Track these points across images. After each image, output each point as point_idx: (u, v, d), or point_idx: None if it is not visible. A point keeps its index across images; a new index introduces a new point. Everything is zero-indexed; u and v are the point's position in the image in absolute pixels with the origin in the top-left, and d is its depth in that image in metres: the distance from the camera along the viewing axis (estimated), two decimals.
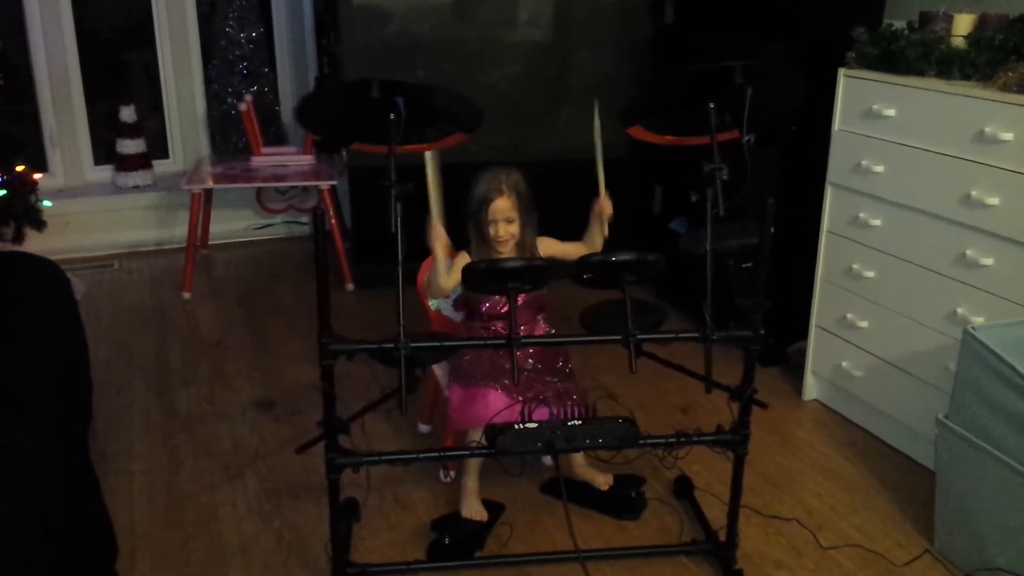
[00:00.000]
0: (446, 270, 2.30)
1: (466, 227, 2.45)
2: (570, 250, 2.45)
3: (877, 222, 2.74)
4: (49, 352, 2.41)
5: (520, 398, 2.35)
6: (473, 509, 2.46)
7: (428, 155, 2.16)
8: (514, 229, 2.40)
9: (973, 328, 2.19)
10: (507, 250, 2.41)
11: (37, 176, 3.94)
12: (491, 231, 2.39)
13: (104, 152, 4.76)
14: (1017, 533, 2.11)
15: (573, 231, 2.49)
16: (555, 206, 2.49)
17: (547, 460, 2.70)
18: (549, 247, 2.47)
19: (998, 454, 2.11)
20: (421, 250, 2.35)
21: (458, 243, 2.44)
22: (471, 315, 2.53)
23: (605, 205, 2.34)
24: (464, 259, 2.42)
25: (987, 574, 2.20)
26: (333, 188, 4.22)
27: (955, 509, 2.28)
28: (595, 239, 2.41)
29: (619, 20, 4.09)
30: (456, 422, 2.50)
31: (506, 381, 2.40)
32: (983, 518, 2.19)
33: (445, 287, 2.35)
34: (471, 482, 2.51)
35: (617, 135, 2.28)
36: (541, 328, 2.53)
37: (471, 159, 2.57)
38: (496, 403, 2.36)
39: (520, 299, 2.42)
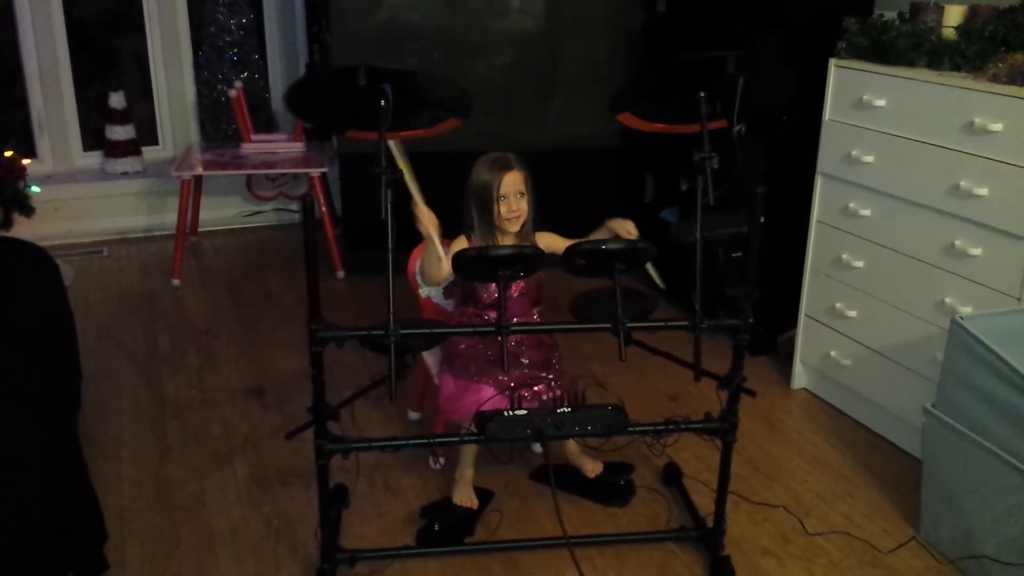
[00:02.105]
0: (441, 253, 2.20)
1: (461, 215, 2.43)
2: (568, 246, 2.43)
3: (867, 212, 2.74)
4: (37, 338, 2.40)
5: (511, 395, 2.35)
6: (464, 496, 2.47)
7: (393, 144, 2.04)
8: (525, 205, 2.37)
9: (961, 318, 2.20)
10: (516, 229, 2.38)
11: (26, 162, 3.92)
12: (502, 208, 2.34)
13: (93, 138, 4.73)
14: (1003, 521, 2.12)
15: (563, 220, 2.49)
16: (545, 196, 2.49)
17: (537, 447, 2.71)
18: (548, 241, 2.44)
19: (985, 443, 2.12)
20: (412, 237, 2.34)
21: (449, 232, 2.43)
22: (467, 301, 2.52)
23: (629, 227, 2.36)
24: (461, 244, 2.41)
25: (972, 562, 2.22)
26: (323, 175, 4.20)
27: (942, 497, 2.30)
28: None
29: (610, 9, 4.08)
30: (446, 412, 2.50)
31: (500, 377, 2.40)
32: (969, 506, 2.21)
33: (440, 273, 2.25)
34: (465, 471, 2.51)
35: (609, 124, 2.28)
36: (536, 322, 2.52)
37: (461, 148, 2.57)
38: (486, 399, 2.35)
39: (516, 290, 2.42)
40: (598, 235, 2.38)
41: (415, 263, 2.61)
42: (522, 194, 2.36)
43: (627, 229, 2.36)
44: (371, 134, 2.02)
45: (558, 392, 2.40)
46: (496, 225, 2.37)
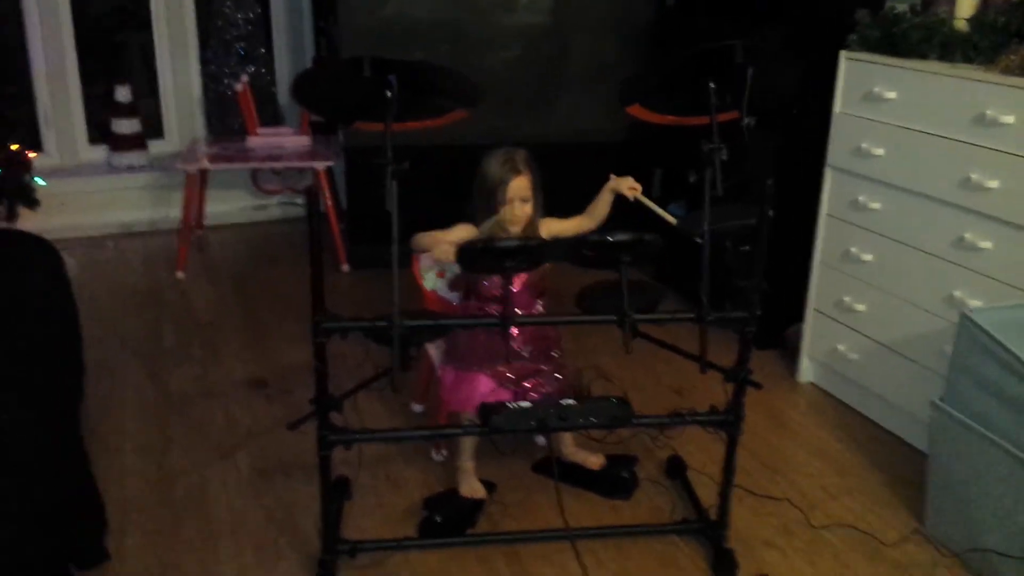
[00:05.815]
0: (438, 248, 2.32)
1: (469, 208, 2.42)
2: (571, 226, 2.45)
3: (876, 205, 2.72)
4: (41, 330, 2.40)
5: (511, 387, 2.34)
6: (472, 487, 2.45)
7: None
8: (529, 209, 2.38)
9: (970, 311, 2.18)
10: (519, 230, 2.39)
11: (32, 155, 3.93)
12: (506, 212, 2.35)
13: (99, 132, 4.73)
14: (1010, 515, 2.10)
15: (570, 214, 2.48)
16: (553, 190, 2.47)
17: (540, 439, 2.69)
18: (551, 227, 2.45)
19: (993, 437, 2.10)
20: (416, 230, 2.33)
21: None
22: (468, 294, 2.51)
23: (627, 184, 2.39)
24: (464, 229, 2.40)
25: (977, 555, 2.20)
26: (329, 169, 4.19)
27: (948, 491, 2.28)
28: (600, 208, 2.43)
29: (620, 3, 4.07)
30: (448, 403, 2.50)
31: (499, 368, 2.39)
32: (976, 500, 2.18)
33: (426, 248, 2.37)
34: (467, 462, 2.50)
35: (617, 117, 2.27)
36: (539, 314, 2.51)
37: (469, 142, 2.55)
38: (484, 389, 2.36)
39: (518, 283, 2.41)
40: (602, 201, 2.44)
41: (419, 259, 2.60)
42: (526, 200, 2.36)
43: (629, 185, 2.39)
44: (379, 125, 2.01)
45: (555, 386, 2.39)
46: (500, 224, 2.38)
